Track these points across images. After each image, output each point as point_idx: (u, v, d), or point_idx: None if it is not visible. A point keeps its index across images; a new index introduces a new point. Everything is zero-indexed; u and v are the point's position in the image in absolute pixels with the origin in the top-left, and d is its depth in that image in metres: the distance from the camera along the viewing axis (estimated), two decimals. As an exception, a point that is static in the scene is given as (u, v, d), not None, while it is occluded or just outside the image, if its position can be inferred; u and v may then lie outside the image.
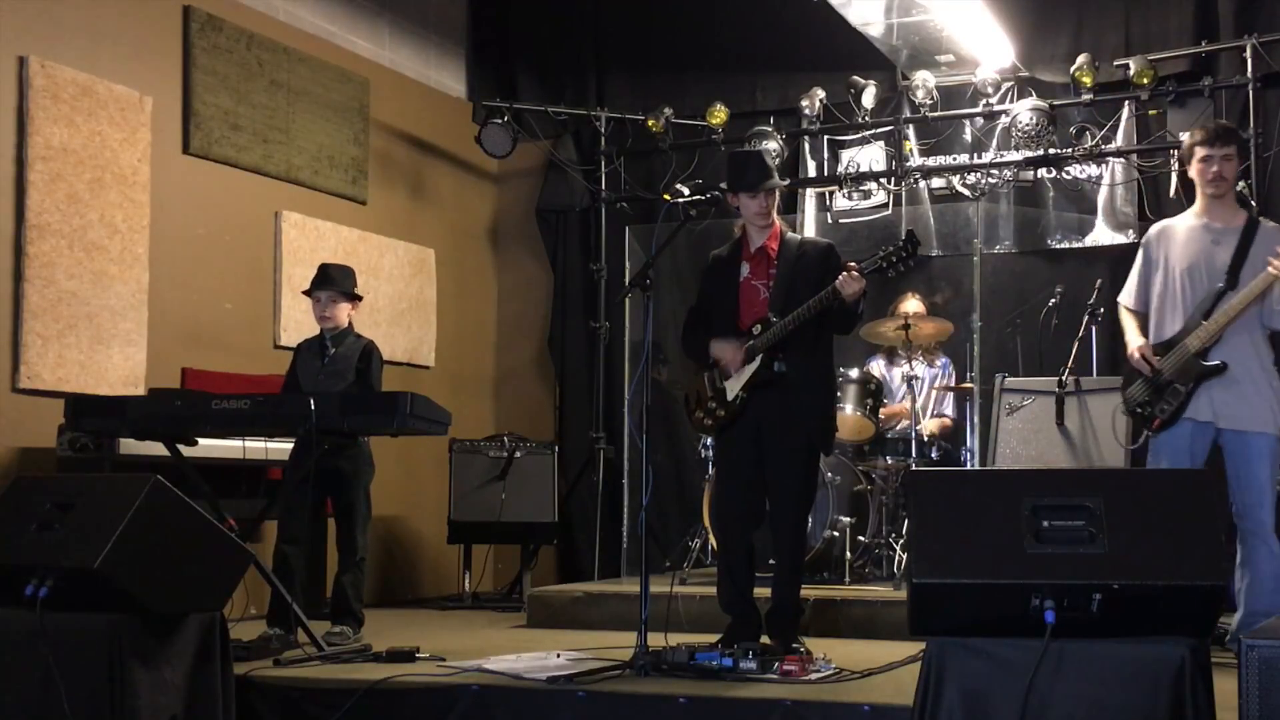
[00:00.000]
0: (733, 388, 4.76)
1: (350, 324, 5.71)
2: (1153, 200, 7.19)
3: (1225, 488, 4.72)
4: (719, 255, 4.98)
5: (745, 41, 8.18)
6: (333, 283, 5.63)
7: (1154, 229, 5.01)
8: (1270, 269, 4.56)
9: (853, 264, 4.60)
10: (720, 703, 3.87)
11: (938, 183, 7.66)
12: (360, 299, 5.78)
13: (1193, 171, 4.87)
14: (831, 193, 7.92)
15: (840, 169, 7.82)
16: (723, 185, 4.90)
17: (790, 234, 4.94)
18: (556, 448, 7.71)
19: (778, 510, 4.77)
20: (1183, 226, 4.91)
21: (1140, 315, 4.97)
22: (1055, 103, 7.22)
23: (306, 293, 5.73)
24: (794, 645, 4.63)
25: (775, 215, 4.88)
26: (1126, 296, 5.03)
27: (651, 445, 4.40)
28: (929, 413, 6.96)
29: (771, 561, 4.94)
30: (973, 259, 7.15)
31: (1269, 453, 4.64)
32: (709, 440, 6.41)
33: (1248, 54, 6.84)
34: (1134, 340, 4.89)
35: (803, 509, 4.82)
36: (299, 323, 7.04)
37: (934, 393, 7.00)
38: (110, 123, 6.24)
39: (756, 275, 4.83)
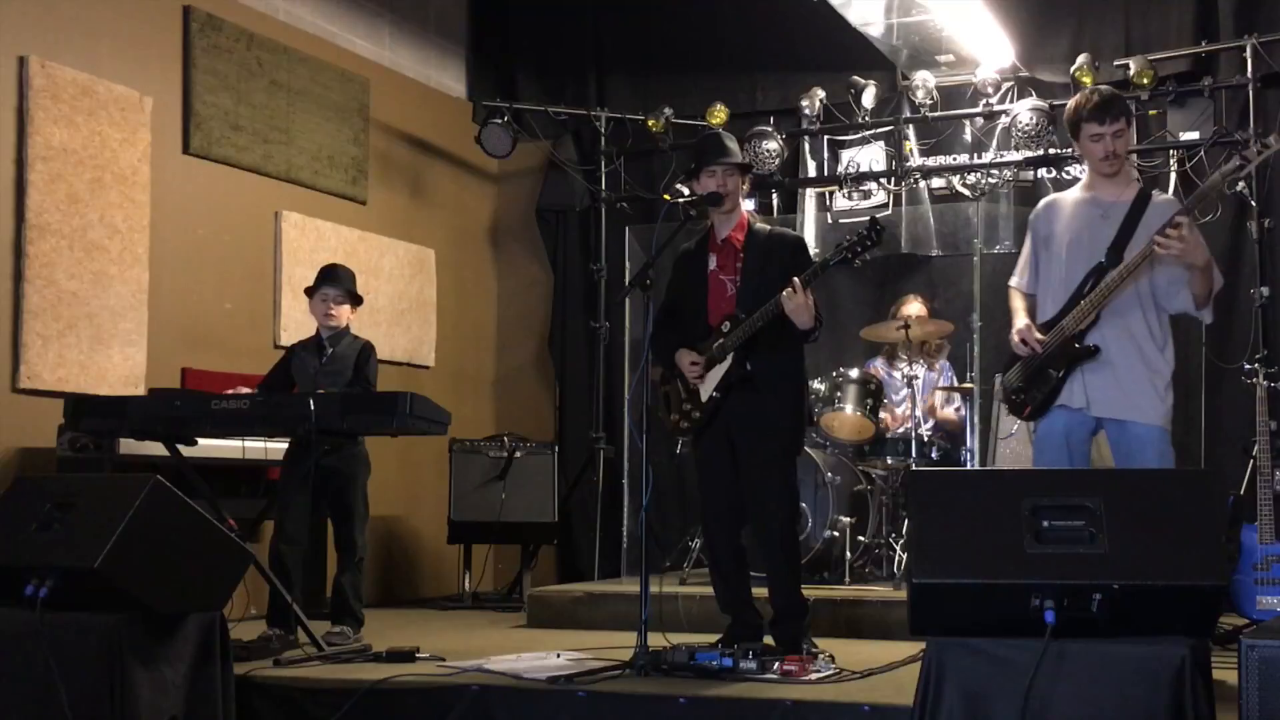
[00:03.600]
0: (706, 389, 4.72)
1: (349, 325, 5.71)
2: (1153, 200, 7.19)
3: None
4: (687, 249, 4.91)
5: (745, 41, 8.18)
6: (340, 281, 5.63)
7: (1040, 204, 4.63)
8: (1157, 246, 4.15)
9: (797, 278, 4.49)
10: (720, 703, 3.87)
11: (938, 183, 7.66)
12: (361, 301, 5.78)
13: (1080, 147, 4.45)
14: (831, 193, 7.93)
15: (840, 169, 7.82)
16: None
17: (759, 225, 4.85)
18: (556, 448, 7.71)
19: (759, 517, 4.71)
20: (1070, 200, 4.52)
21: (1030, 297, 4.57)
22: (1055, 103, 7.22)
23: (310, 290, 5.70)
24: (805, 647, 4.60)
25: (743, 207, 4.82)
26: (1015, 278, 4.64)
27: (651, 445, 4.39)
28: (937, 411, 6.95)
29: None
30: (973, 259, 7.15)
31: (1151, 444, 4.24)
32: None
33: (1248, 54, 6.84)
34: (1018, 321, 4.48)
35: (787, 511, 4.74)
36: (299, 323, 7.03)
37: (937, 394, 6.98)
38: (110, 123, 6.24)
39: (723, 269, 4.76)
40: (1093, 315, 4.29)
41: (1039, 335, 4.38)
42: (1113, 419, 4.32)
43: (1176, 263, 4.24)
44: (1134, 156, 6.51)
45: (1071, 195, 4.57)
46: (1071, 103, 4.50)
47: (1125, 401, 4.28)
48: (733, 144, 4.83)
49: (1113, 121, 4.35)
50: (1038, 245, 4.55)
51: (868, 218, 4.74)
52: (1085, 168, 4.61)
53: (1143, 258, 4.24)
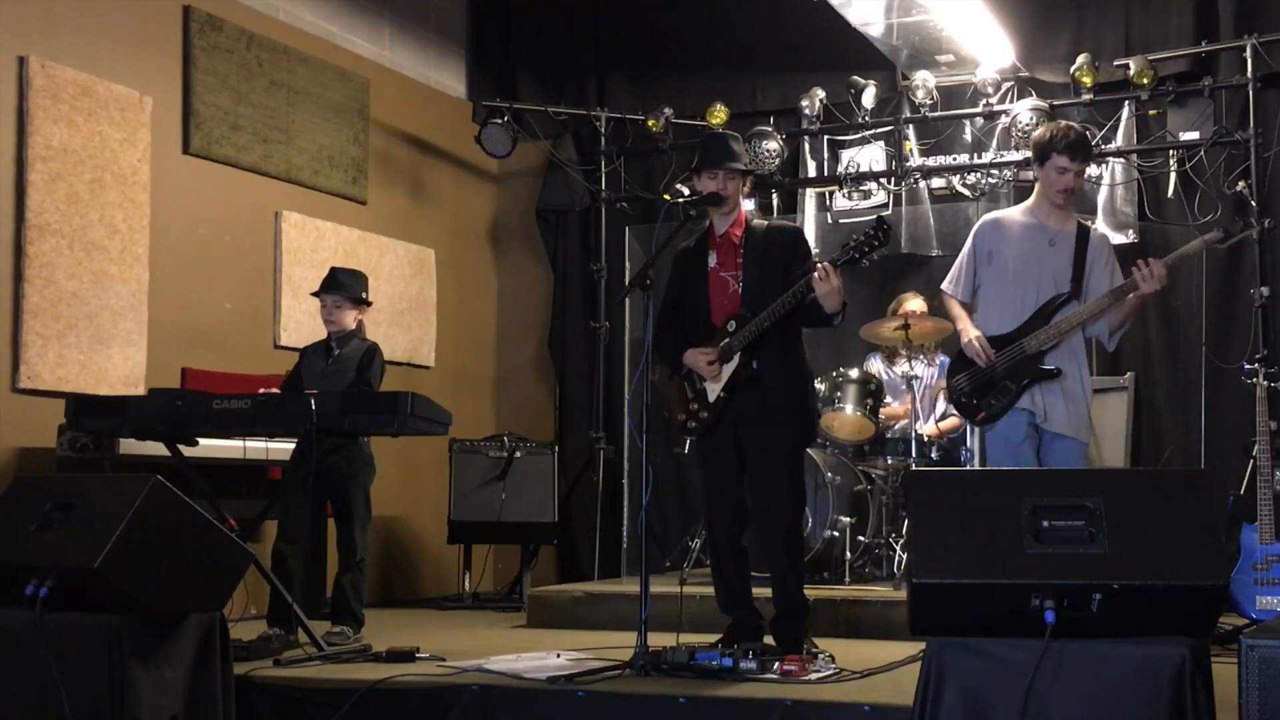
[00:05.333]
0: (713, 388, 4.72)
1: (360, 327, 5.72)
2: (1153, 200, 7.19)
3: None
4: (686, 247, 4.90)
5: (745, 41, 8.18)
6: (339, 288, 5.64)
7: (986, 221, 4.93)
8: (1137, 273, 4.52)
9: (826, 263, 4.51)
10: (720, 703, 3.87)
11: (938, 183, 7.67)
12: (369, 304, 5.78)
13: (1040, 172, 4.76)
14: (831, 193, 7.93)
15: (840, 169, 7.82)
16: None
17: (757, 220, 4.86)
18: (556, 448, 7.70)
19: (764, 516, 4.70)
20: (1017, 223, 4.82)
21: (964, 304, 4.91)
22: (1055, 103, 7.23)
23: (314, 294, 5.74)
24: (806, 647, 4.58)
25: (742, 204, 4.82)
26: (951, 285, 4.94)
27: (651, 445, 4.38)
28: (931, 413, 6.94)
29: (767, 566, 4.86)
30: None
31: (1078, 458, 4.67)
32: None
33: (1248, 54, 6.85)
34: (969, 329, 4.80)
35: (792, 512, 4.73)
36: (299, 323, 7.04)
37: (938, 392, 6.97)
38: (110, 123, 6.24)
39: (724, 266, 4.76)
40: (1057, 341, 4.64)
41: (991, 350, 4.71)
42: (1057, 433, 4.67)
43: (1137, 298, 4.60)
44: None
45: (1017, 218, 4.86)
46: (1045, 131, 4.80)
47: (1069, 420, 4.67)
48: (738, 147, 4.82)
49: (1081, 162, 4.71)
50: (978, 260, 4.87)
51: (874, 217, 4.78)
52: (1034, 193, 4.85)
53: (1113, 299, 4.60)
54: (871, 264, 4.75)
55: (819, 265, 4.50)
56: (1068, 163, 4.67)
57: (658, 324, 4.67)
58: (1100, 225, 7.31)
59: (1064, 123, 5.00)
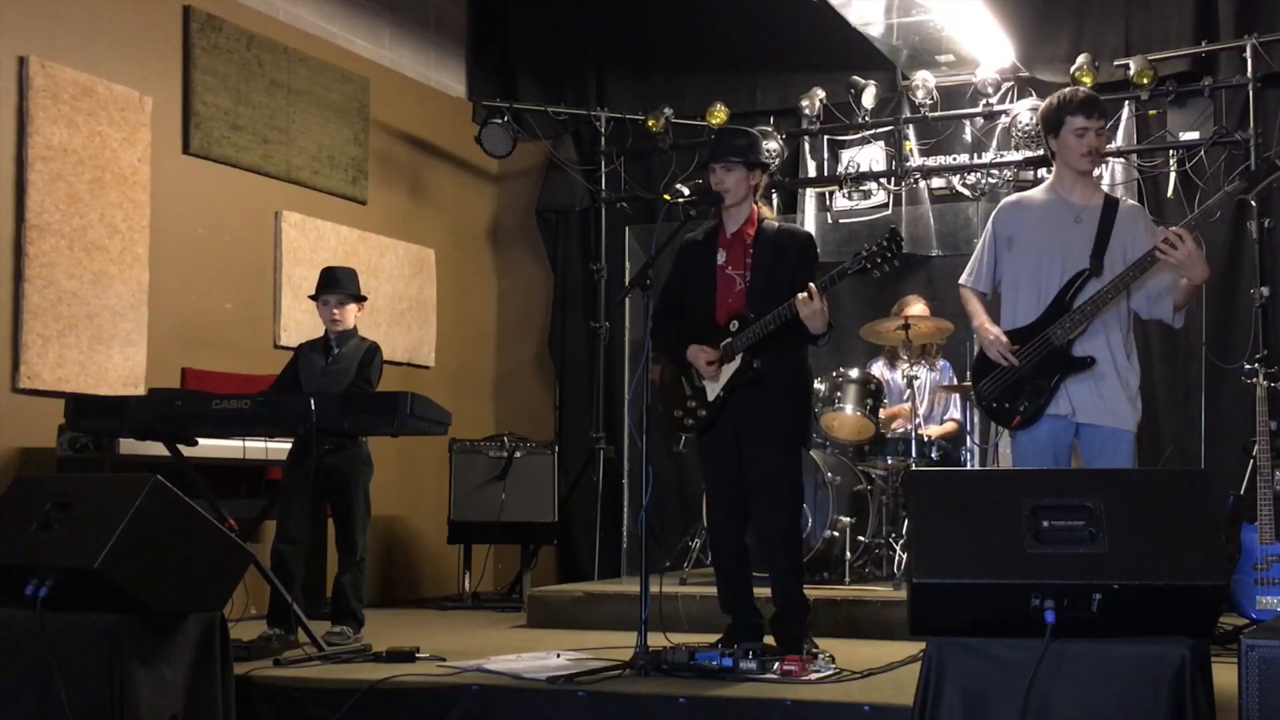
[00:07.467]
0: (713, 388, 4.70)
1: (356, 326, 5.73)
2: (1153, 200, 7.19)
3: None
4: (694, 239, 4.86)
5: (745, 41, 8.18)
6: (341, 286, 5.66)
7: (1006, 203, 4.58)
8: (1160, 253, 4.12)
9: (813, 284, 4.46)
10: (720, 703, 3.87)
11: (938, 183, 7.67)
12: (365, 299, 5.79)
13: (1057, 143, 4.39)
14: (831, 193, 7.93)
15: (840, 169, 7.83)
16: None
17: (769, 221, 4.80)
18: (556, 448, 7.70)
19: (762, 515, 4.70)
20: (1038, 203, 4.46)
21: (984, 297, 4.52)
22: (1055, 103, 7.22)
23: (313, 297, 5.74)
24: (806, 647, 4.58)
25: (755, 202, 4.77)
26: (969, 277, 4.56)
27: (651, 445, 4.37)
28: (934, 417, 6.95)
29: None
30: (972, 259, 7.14)
31: (1125, 448, 4.29)
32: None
33: (1248, 54, 6.85)
34: (989, 327, 4.40)
35: (790, 512, 4.72)
36: (299, 323, 7.04)
37: (937, 394, 6.98)
38: (110, 123, 6.24)
39: (733, 264, 4.73)
40: (1085, 326, 4.28)
41: (1012, 344, 4.35)
42: (1092, 424, 4.32)
43: (1174, 272, 4.22)
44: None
45: (1038, 197, 4.53)
46: (1053, 99, 4.47)
47: (1104, 408, 4.30)
48: (737, 140, 4.77)
49: (1099, 118, 4.36)
50: (998, 245, 4.51)
51: (887, 228, 4.70)
52: (1054, 169, 4.54)
53: (1141, 270, 4.21)
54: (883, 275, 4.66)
55: (808, 286, 4.46)
56: (1085, 120, 4.30)
57: (657, 314, 4.62)
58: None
59: (1073, 87, 4.70)
